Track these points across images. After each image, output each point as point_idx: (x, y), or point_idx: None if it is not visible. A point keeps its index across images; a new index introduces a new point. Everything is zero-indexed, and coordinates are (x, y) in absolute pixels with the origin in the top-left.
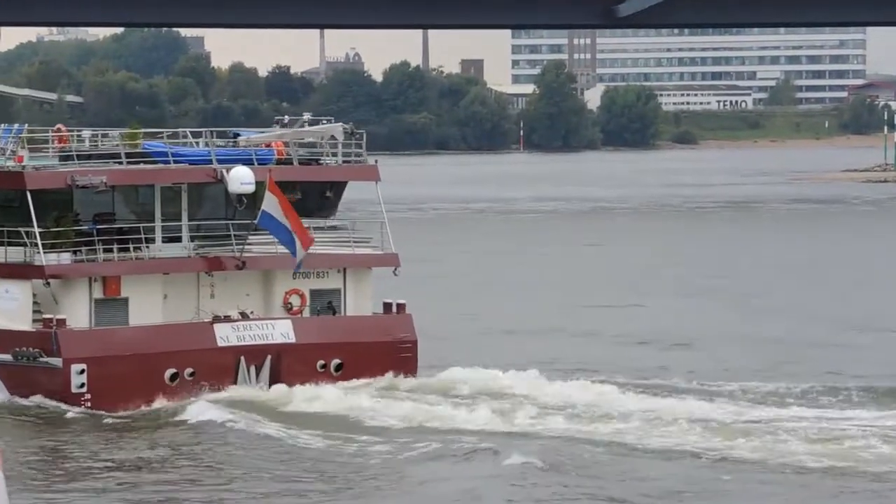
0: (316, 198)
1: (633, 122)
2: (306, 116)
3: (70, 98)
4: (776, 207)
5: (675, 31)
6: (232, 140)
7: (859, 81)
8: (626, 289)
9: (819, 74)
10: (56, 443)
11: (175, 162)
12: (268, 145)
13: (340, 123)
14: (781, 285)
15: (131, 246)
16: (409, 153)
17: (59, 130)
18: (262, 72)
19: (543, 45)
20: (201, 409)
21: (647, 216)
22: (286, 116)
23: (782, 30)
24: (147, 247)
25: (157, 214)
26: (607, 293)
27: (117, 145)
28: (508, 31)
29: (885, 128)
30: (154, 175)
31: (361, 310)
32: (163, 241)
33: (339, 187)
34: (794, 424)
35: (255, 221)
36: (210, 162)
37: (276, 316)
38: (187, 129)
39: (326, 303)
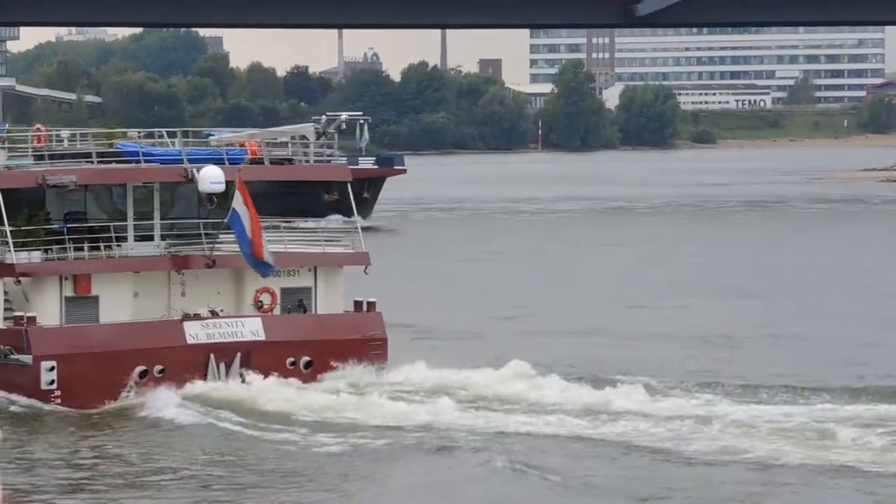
0: (353, 198)
1: (652, 122)
2: (344, 116)
3: (89, 98)
4: (799, 207)
5: (694, 30)
6: (204, 140)
7: (878, 80)
8: (663, 290)
9: (838, 74)
10: (23, 439)
11: (146, 161)
12: (241, 145)
13: (311, 123)
14: (824, 286)
15: (102, 245)
16: (428, 153)
17: (38, 130)
18: (281, 72)
19: (561, 44)
20: (170, 405)
21: (669, 216)
22: (323, 116)
23: (801, 29)
24: (119, 245)
25: (130, 213)
26: (643, 295)
27: (93, 145)
28: (526, 31)
29: None
30: (125, 174)
31: (332, 308)
32: (135, 240)
33: (374, 188)
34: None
35: (225, 220)
36: (181, 161)
37: (247, 314)
38: (163, 130)
39: (297, 301)
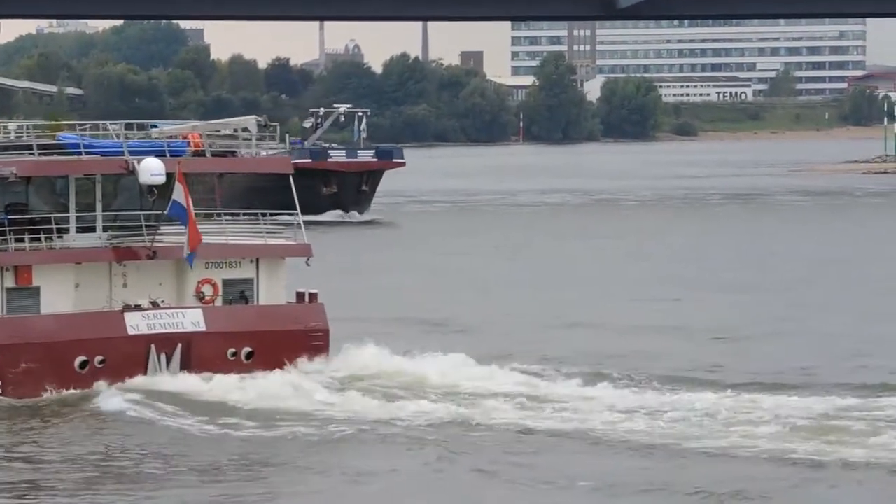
0: (352, 192)
1: (633, 114)
2: (342, 108)
3: (70, 90)
4: (782, 200)
5: (675, 22)
6: (146, 132)
7: (859, 73)
8: (651, 283)
9: (819, 66)
10: None
11: (87, 154)
12: (185, 137)
13: (254, 115)
14: (823, 279)
15: (43, 236)
16: (410, 145)
17: None
18: (262, 64)
19: (543, 36)
20: (110, 396)
21: (652, 208)
22: (321, 109)
23: (782, 21)
24: (60, 237)
25: (72, 205)
26: (629, 288)
27: (34, 137)
28: (508, 23)
29: (885, 119)
30: (66, 166)
31: (275, 299)
32: (77, 232)
33: (374, 181)
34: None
35: (166, 212)
36: (122, 154)
37: (188, 305)
38: (108, 122)
39: (239, 292)
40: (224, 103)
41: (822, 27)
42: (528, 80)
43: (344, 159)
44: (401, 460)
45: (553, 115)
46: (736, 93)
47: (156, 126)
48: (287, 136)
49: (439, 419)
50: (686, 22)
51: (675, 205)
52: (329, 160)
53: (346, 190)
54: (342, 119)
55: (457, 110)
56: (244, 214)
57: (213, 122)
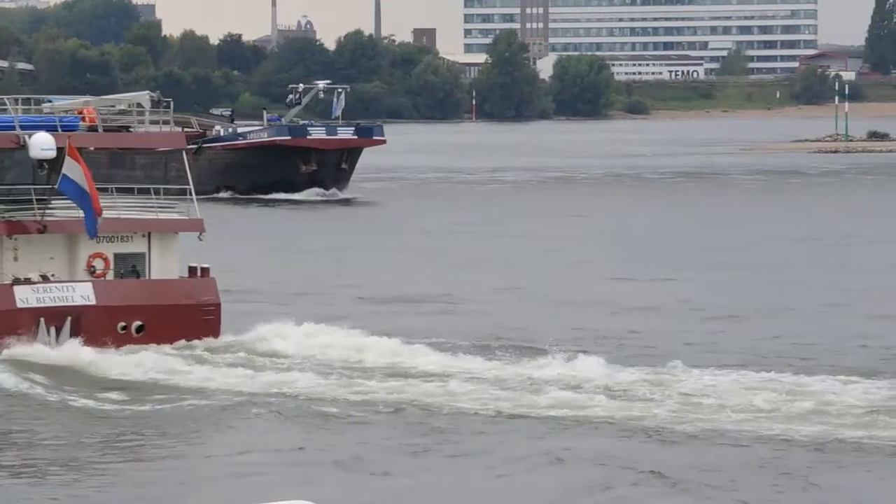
0: (332, 170)
1: (586, 92)
2: (321, 85)
3: (21, 66)
4: (736, 178)
5: (628, 0)
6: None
7: (811, 52)
8: (643, 262)
9: (770, 45)
10: None
11: None
12: (80, 112)
13: (147, 91)
14: (794, 259)
15: None
16: (361, 122)
17: None
18: (214, 40)
19: (496, 14)
20: None
21: (610, 186)
22: (300, 85)
23: (734, 0)
24: None
25: None
26: (620, 266)
27: None
28: (461, 0)
29: (836, 98)
30: None
31: (167, 274)
32: None
33: (353, 159)
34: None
35: (56, 186)
36: (14, 128)
37: (78, 279)
38: (3, 97)
39: (130, 266)
40: (176, 79)
41: (773, 6)
42: (481, 58)
43: (324, 136)
44: (269, 435)
45: (505, 92)
46: (688, 71)
47: (50, 101)
48: (265, 112)
49: (319, 394)
50: (638, 0)
51: (631, 183)
52: (308, 137)
53: (325, 168)
54: (321, 95)
55: (409, 87)
56: (138, 190)
57: (106, 97)
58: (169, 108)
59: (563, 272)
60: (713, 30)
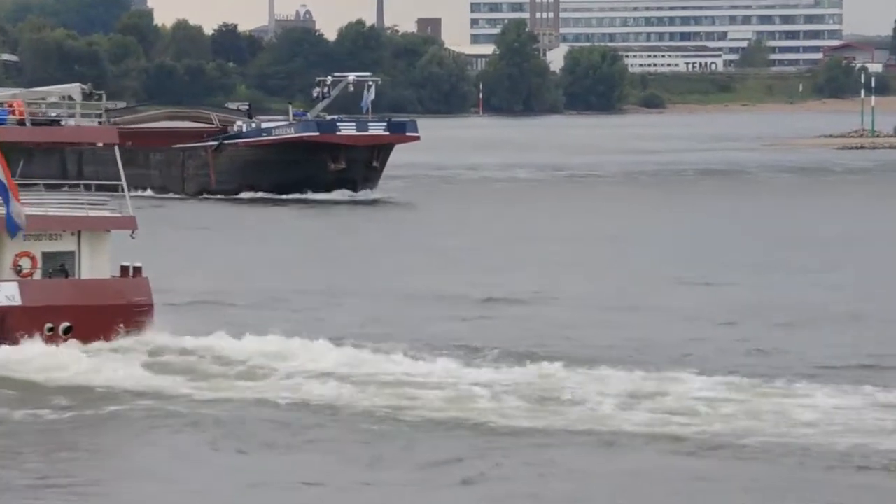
0: (362, 168)
1: (598, 85)
2: (351, 77)
3: (5, 57)
4: (761, 176)
5: None
6: None
7: (835, 42)
8: (683, 265)
9: (793, 35)
10: None
11: None
12: (10, 105)
13: (78, 84)
14: (840, 260)
15: None
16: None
17: None
18: (208, 30)
19: (504, 3)
20: None
21: (629, 185)
22: (329, 77)
23: None
24: None
25: None
26: (662, 269)
27: None
28: None
29: (862, 91)
30: None
31: (98, 273)
32: None
33: (384, 156)
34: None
35: None
36: None
37: (4, 279)
38: None
39: (59, 265)
40: (168, 70)
41: None
42: (489, 49)
43: (354, 132)
44: (185, 440)
45: (514, 85)
46: (706, 63)
47: None
48: (290, 106)
49: (240, 398)
50: None
51: (651, 181)
52: (338, 133)
53: (355, 166)
54: (351, 88)
55: (413, 80)
56: (69, 186)
57: (35, 90)
58: (101, 100)
59: (612, 276)
60: (732, 19)
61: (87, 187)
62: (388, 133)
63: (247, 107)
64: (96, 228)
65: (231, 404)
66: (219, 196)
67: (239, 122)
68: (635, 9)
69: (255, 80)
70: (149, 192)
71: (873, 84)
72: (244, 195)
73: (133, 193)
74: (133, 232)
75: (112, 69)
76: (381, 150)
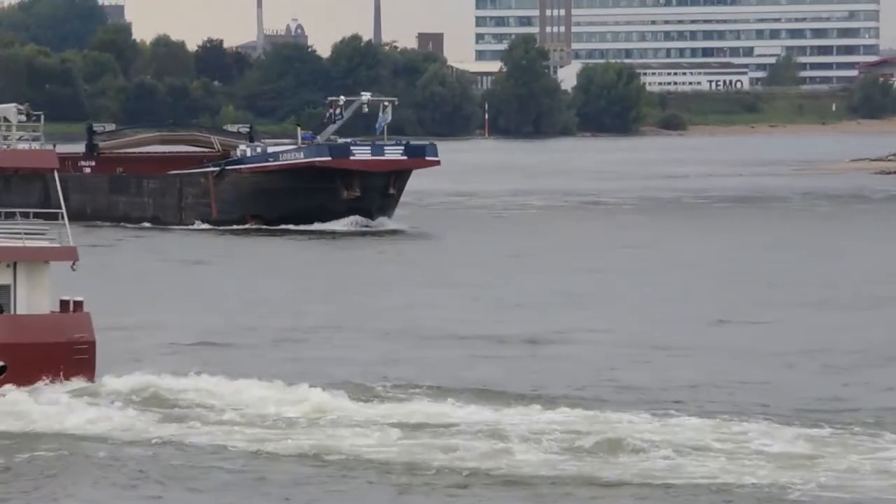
0: (377, 196)
1: (613, 105)
2: (365, 98)
3: None
4: (792, 203)
5: (661, 0)
6: None
7: (872, 58)
8: (735, 300)
9: (825, 50)
10: None
11: None
12: None
13: (14, 104)
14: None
15: None
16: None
17: None
18: (192, 46)
19: (511, 16)
20: None
21: (650, 213)
22: (341, 97)
23: None
24: None
25: None
26: (707, 307)
27: None
28: (471, 1)
29: None
30: None
31: (36, 308)
32: None
33: (401, 183)
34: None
35: None
36: None
37: None
38: None
39: None
40: (148, 90)
41: (829, 6)
42: (495, 66)
43: (369, 157)
44: (117, 488)
45: (523, 105)
46: (730, 81)
47: None
48: (299, 129)
49: (180, 442)
50: (674, 0)
51: (675, 209)
52: (352, 158)
53: (370, 194)
54: (366, 109)
55: (414, 100)
56: (4, 214)
57: None
58: (39, 122)
59: (642, 312)
60: (759, 33)
61: (25, 215)
62: (406, 158)
63: (248, 129)
64: (34, 259)
65: (160, 447)
66: (221, 227)
67: (242, 147)
68: (653, 22)
69: (243, 100)
70: (145, 224)
71: None
72: (248, 226)
73: (126, 226)
74: (74, 263)
75: (87, 88)
76: (398, 176)
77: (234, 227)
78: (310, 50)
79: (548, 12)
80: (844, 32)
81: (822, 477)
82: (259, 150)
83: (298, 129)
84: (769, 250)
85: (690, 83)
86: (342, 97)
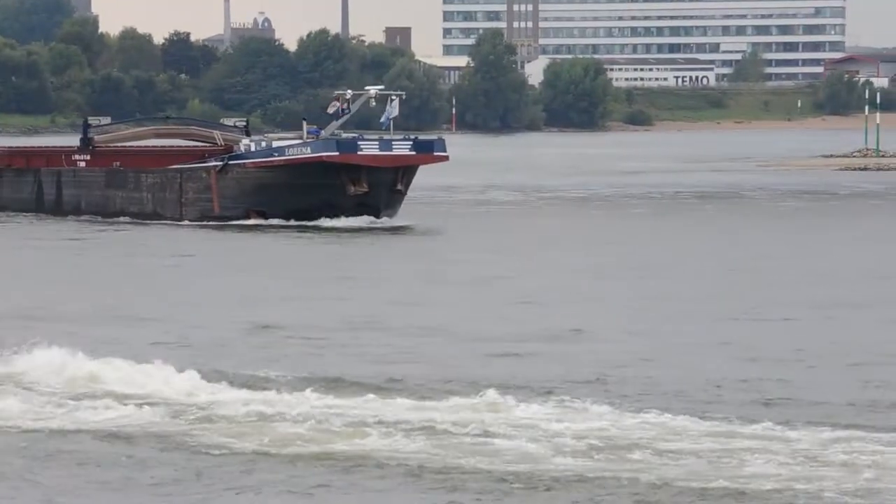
0: (385, 192)
1: (580, 100)
2: (373, 91)
3: None
4: (759, 199)
5: None
6: None
7: (837, 55)
8: (737, 299)
9: (791, 47)
10: None
11: None
12: None
13: None
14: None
15: None
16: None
17: None
18: (158, 39)
19: (479, 11)
20: None
21: (623, 208)
22: (348, 91)
23: None
24: None
25: None
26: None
27: None
28: None
29: (866, 108)
30: None
31: None
32: None
33: (408, 178)
34: None
35: None
36: None
37: None
38: None
39: None
40: (115, 83)
41: (795, 3)
42: (462, 61)
43: (377, 152)
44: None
45: (490, 100)
46: (696, 77)
47: None
48: (304, 123)
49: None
50: None
51: (648, 205)
52: (359, 153)
53: (378, 189)
54: (373, 103)
55: (381, 94)
56: None
57: None
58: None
59: (644, 311)
60: (725, 30)
61: None
62: (414, 153)
63: (244, 123)
64: None
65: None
66: (222, 223)
67: (246, 141)
68: (620, 18)
69: (210, 93)
70: (139, 220)
71: (878, 100)
72: (251, 221)
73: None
74: None
75: (53, 81)
76: (406, 171)
77: (237, 222)
78: (277, 43)
79: (515, 7)
80: (810, 29)
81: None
82: (264, 144)
83: (304, 123)
84: (757, 245)
85: (657, 79)
86: (349, 91)
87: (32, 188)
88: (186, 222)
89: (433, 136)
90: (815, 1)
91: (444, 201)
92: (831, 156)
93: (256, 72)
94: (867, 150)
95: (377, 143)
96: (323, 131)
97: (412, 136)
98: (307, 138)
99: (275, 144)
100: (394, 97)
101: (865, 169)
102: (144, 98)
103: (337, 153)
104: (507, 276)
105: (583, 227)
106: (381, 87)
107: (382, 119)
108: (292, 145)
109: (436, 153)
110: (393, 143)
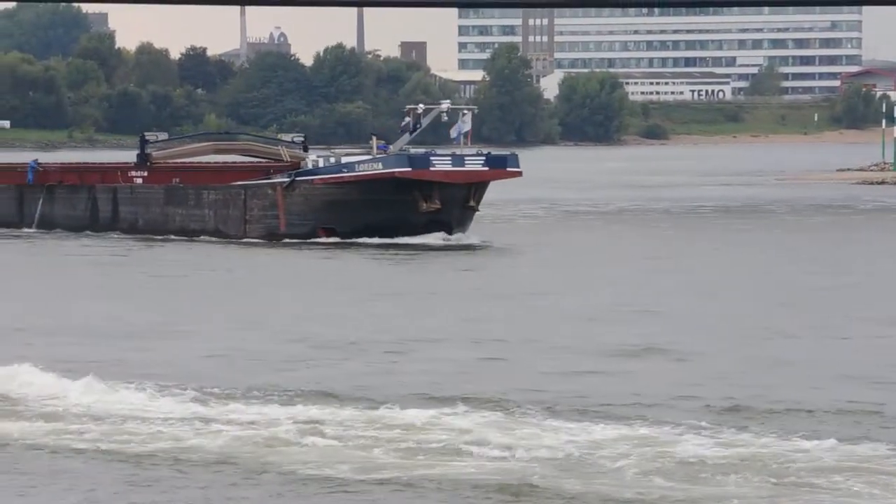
0: (457, 208)
1: (596, 114)
2: (444, 106)
3: None
4: (779, 213)
5: (644, 10)
6: None
7: (854, 68)
8: (791, 314)
9: (808, 60)
10: None
11: None
12: None
13: None
14: None
15: None
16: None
17: None
18: (175, 54)
19: (494, 25)
20: None
21: (645, 222)
22: (420, 105)
23: (766, 9)
24: None
25: None
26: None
27: None
28: (454, 10)
29: (884, 121)
30: None
31: None
32: None
33: (480, 194)
34: None
35: None
36: None
37: None
38: None
39: None
40: (131, 98)
41: (811, 17)
42: (478, 75)
43: (449, 168)
44: None
45: (505, 114)
46: (712, 91)
47: None
48: (374, 138)
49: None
50: (656, 10)
51: (668, 219)
52: (432, 169)
53: (450, 206)
54: (445, 118)
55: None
56: None
57: None
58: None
59: (713, 329)
60: (742, 44)
61: None
62: (487, 168)
63: (302, 139)
64: None
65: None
66: (291, 240)
67: (313, 157)
68: (636, 32)
69: (226, 108)
70: (203, 238)
71: (895, 113)
72: (320, 240)
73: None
74: None
75: (70, 96)
76: (478, 187)
77: (305, 240)
78: (293, 58)
79: (531, 22)
80: (827, 43)
81: None
82: (332, 160)
83: (374, 138)
84: (793, 263)
85: (673, 93)
86: (421, 105)
87: (86, 205)
88: (249, 240)
89: (507, 153)
90: (831, 14)
91: (501, 216)
92: (847, 169)
93: (272, 86)
94: (884, 163)
95: (450, 158)
96: (391, 146)
97: (485, 152)
98: (377, 154)
99: (343, 160)
100: (465, 111)
101: (883, 183)
102: (161, 113)
103: (409, 169)
104: (583, 289)
105: (645, 242)
106: (450, 101)
107: (454, 134)
108: (362, 161)
109: (509, 168)
110: (465, 158)
